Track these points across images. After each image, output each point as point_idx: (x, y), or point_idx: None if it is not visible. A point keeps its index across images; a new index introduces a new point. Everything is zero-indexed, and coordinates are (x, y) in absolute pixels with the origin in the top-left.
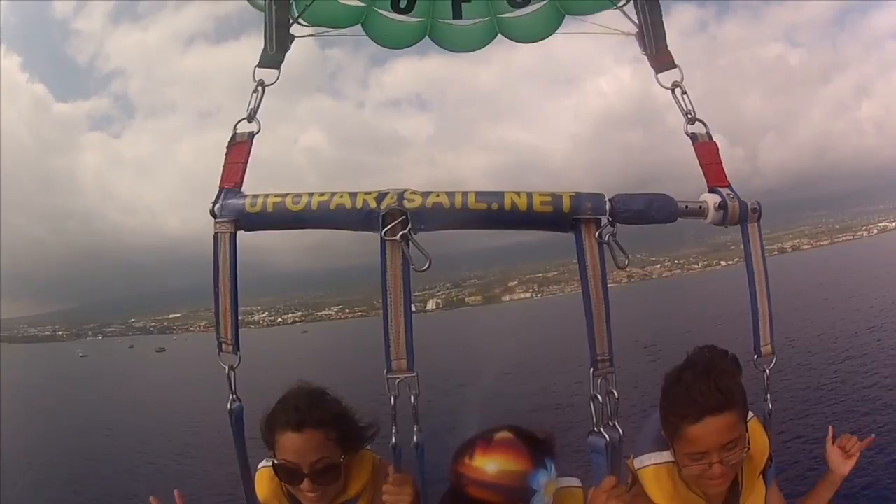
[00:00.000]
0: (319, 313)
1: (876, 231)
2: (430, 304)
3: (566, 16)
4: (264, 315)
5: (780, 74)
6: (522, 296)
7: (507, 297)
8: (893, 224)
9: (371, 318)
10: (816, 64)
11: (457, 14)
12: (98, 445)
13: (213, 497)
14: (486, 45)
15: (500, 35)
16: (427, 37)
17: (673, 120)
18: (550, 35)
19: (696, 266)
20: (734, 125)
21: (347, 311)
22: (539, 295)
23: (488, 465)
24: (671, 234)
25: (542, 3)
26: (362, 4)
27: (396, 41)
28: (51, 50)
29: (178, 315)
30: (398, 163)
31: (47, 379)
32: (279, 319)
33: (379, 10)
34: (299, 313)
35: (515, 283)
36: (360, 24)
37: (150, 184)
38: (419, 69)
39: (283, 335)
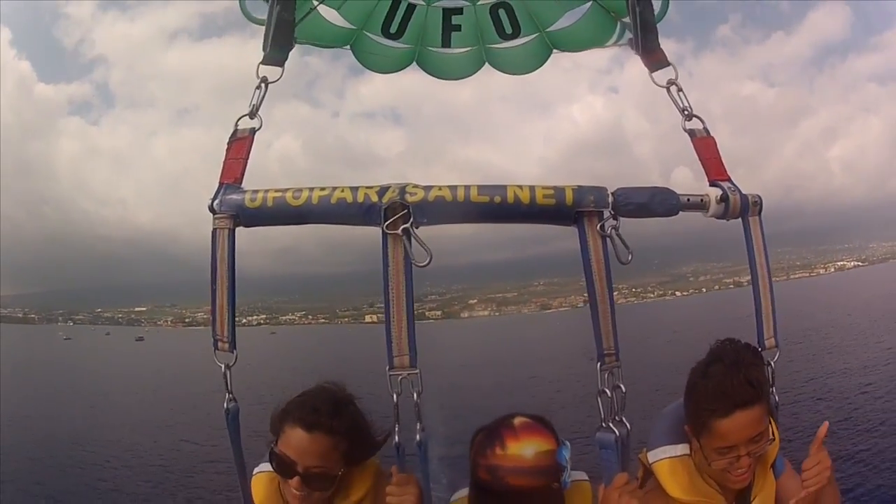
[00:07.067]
0: (283, 318)
1: (833, 270)
2: None
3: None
4: None
5: (752, 112)
6: (481, 313)
7: (466, 314)
8: (851, 264)
9: (334, 325)
10: (791, 103)
11: (446, 42)
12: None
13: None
14: (472, 74)
15: (487, 65)
16: (414, 63)
17: (640, 151)
18: (538, 68)
19: (652, 295)
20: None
21: (311, 317)
22: (497, 314)
23: (525, 449)
24: (635, 262)
25: (531, 37)
26: (353, 27)
27: (384, 66)
28: (39, 29)
29: (144, 308)
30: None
31: (44, 358)
32: (244, 321)
33: (369, 34)
34: (263, 316)
35: (475, 301)
36: (348, 46)
37: (124, 176)
38: (396, 83)
39: (250, 335)
